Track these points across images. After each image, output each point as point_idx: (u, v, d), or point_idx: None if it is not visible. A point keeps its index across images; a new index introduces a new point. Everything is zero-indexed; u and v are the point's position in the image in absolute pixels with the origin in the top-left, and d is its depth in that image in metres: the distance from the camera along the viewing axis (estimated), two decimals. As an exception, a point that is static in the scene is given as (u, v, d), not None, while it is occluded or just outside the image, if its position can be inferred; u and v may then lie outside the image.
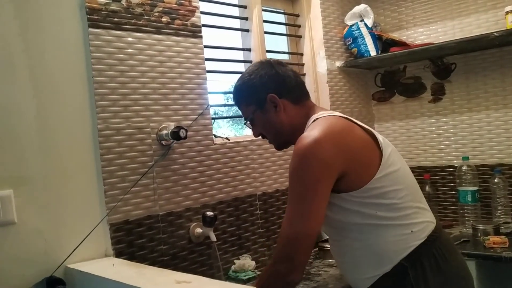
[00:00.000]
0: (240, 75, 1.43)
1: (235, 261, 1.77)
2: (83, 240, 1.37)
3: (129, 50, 1.54)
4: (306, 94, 1.40)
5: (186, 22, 1.71)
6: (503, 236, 1.89)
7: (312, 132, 1.19)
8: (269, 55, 2.08)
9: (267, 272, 1.21)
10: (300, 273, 1.16)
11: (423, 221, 1.23)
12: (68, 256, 1.34)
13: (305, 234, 1.14)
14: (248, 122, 1.41)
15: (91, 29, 1.44)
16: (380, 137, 1.26)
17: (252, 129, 1.43)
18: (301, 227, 1.14)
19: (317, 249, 1.92)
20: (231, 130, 2.43)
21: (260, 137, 1.46)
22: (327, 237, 1.85)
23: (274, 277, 1.18)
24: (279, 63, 1.41)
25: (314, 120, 1.28)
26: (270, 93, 1.33)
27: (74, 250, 1.35)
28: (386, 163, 1.21)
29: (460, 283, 1.26)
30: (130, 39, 1.54)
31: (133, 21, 1.55)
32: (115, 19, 1.50)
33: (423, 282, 1.19)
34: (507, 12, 1.99)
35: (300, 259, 1.15)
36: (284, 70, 1.38)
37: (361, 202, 1.19)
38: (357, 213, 1.20)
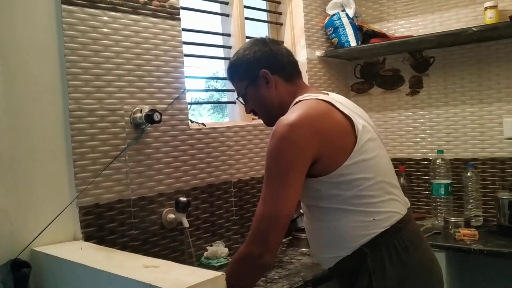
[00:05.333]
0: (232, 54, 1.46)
1: (207, 247, 1.76)
2: (50, 223, 1.34)
3: (104, 30, 1.50)
4: (298, 72, 1.43)
5: (164, 4, 1.67)
6: (473, 229, 1.93)
7: (289, 116, 1.22)
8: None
9: (239, 254, 1.22)
10: (273, 255, 1.19)
11: (388, 210, 1.25)
12: (34, 239, 1.30)
13: (277, 215, 1.17)
14: (240, 98, 1.44)
15: (64, 6, 1.40)
16: (360, 124, 1.25)
17: (245, 105, 1.47)
18: (274, 208, 1.17)
19: (290, 237, 1.92)
20: (212, 119, 2.40)
21: (251, 114, 1.50)
22: (301, 226, 1.86)
23: (246, 260, 1.20)
24: (273, 41, 1.45)
25: (296, 103, 1.30)
26: (263, 69, 1.36)
27: (41, 232, 1.32)
28: (359, 151, 1.22)
29: (424, 275, 1.27)
30: (105, 18, 1.50)
31: (109, -1, 1.51)
32: (90, -4, 1.46)
33: (380, 270, 1.22)
34: (486, 8, 2.01)
35: (273, 240, 1.17)
36: (277, 47, 1.42)
37: (329, 186, 1.23)
38: (324, 196, 1.25)
